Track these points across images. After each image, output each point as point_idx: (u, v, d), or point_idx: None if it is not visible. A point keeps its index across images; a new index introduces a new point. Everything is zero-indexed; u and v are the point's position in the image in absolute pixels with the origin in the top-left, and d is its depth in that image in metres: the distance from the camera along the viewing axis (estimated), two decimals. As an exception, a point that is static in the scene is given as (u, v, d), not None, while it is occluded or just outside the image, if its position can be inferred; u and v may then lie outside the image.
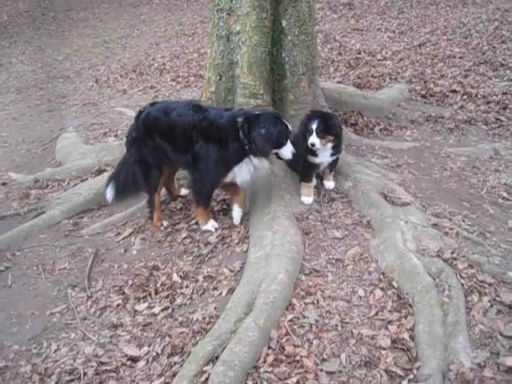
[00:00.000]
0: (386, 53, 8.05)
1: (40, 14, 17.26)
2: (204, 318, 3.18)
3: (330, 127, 3.92)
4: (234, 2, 4.44)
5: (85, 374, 2.93)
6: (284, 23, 4.59)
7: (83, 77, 8.96)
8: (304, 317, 3.05)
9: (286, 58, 4.64)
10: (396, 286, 3.24)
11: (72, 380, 2.91)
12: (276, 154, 3.92)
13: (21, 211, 4.55)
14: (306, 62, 4.68)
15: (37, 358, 3.11)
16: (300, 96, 4.71)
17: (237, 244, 3.82)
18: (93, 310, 3.42)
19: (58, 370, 2.99)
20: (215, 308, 3.25)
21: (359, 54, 8.13)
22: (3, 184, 5.25)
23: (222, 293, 3.39)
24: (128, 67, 8.96)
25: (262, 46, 4.46)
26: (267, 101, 4.57)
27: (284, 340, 2.89)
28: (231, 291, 3.34)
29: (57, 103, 7.73)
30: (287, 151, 3.75)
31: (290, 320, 3.01)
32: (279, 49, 4.64)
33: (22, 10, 18.75)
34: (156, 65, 8.78)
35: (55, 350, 3.14)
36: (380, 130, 5.48)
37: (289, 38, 4.61)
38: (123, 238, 4.06)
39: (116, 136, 5.95)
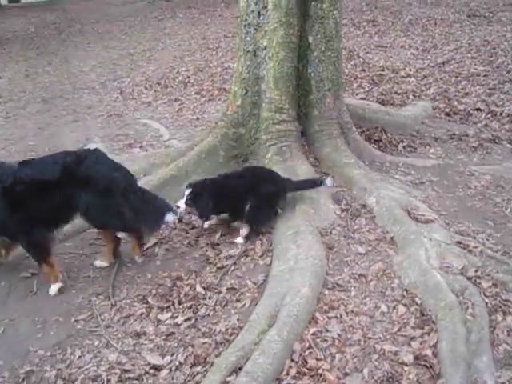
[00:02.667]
0: (410, 70, 8.07)
1: (66, 26, 17.55)
2: (227, 330, 3.20)
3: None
4: (261, 17, 4.52)
5: (108, 380, 2.95)
6: (310, 39, 4.65)
7: (108, 88, 9.08)
8: (327, 331, 3.07)
9: (312, 74, 4.70)
10: (419, 302, 3.23)
11: (95, 387, 2.94)
12: None
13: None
14: (332, 77, 4.73)
15: (61, 363, 3.14)
16: (325, 112, 4.75)
17: (260, 257, 3.84)
18: (116, 318, 3.45)
19: (82, 376, 3.01)
20: (238, 320, 3.27)
21: (383, 70, 8.16)
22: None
23: (244, 305, 3.41)
24: (153, 80, 9.07)
25: (289, 61, 4.52)
26: (292, 116, 4.62)
27: (307, 353, 2.90)
28: (254, 303, 3.37)
29: (82, 114, 7.83)
30: None
31: (313, 333, 3.03)
32: (305, 64, 4.71)
33: (49, 22, 19.08)
34: (180, 78, 8.88)
35: (79, 357, 3.17)
36: (404, 147, 5.49)
37: (315, 53, 4.67)
38: (147, 249, 4.09)
39: (141, 147, 6.02)
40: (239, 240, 4.05)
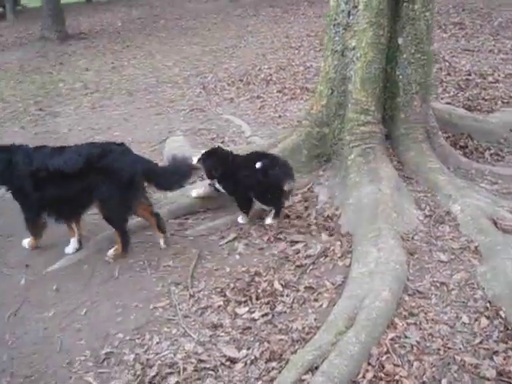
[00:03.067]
0: (499, 75, 7.78)
1: (151, 22, 17.99)
2: (303, 328, 3.21)
3: None
4: (351, 17, 4.48)
5: (184, 369, 3.02)
6: (400, 41, 4.57)
7: (191, 83, 9.24)
8: (406, 337, 3.02)
9: (400, 76, 4.62)
10: (503, 316, 3.13)
11: (171, 373, 3.02)
12: None
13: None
14: (420, 80, 4.64)
15: (139, 348, 3.24)
16: (411, 115, 4.67)
17: (339, 258, 3.82)
18: (194, 308, 3.52)
19: (159, 362, 3.10)
20: (315, 319, 3.27)
21: (469, 75, 7.91)
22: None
23: (322, 305, 3.40)
24: (235, 76, 9.16)
25: (377, 62, 4.46)
26: (377, 118, 4.57)
27: (384, 358, 2.87)
28: (332, 304, 3.36)
29: (165, 107, 8.01)
30: None
31: (392, 339, 2.98)
32: (393, 66, 4.63)
33: (135, 17, 19.61)
34: (262, 75, 8.92)
35: (157, 343, 3.26)
36: (490, 155, 5.31)
37: (404, 55, 4.59)
38: (227, 242, 4.17)
39: (223, 142, 6.08)
40: (268, 221, 4.33)
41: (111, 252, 4.16)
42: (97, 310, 3.62)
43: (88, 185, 4.00)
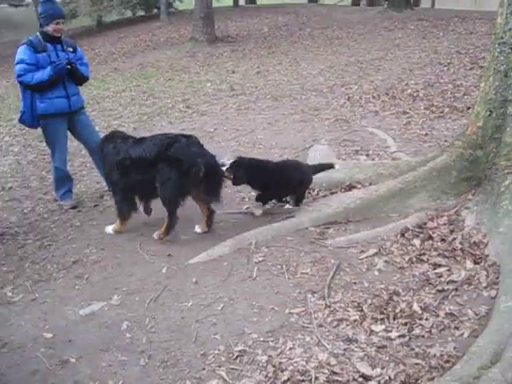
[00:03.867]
0: None
1: (297, 29, 18.23)
2: (442, 355, 3.09)
3: None
4: (519, 37, 4.26)
5: (316, 378, 3.01)
6: None
7: (336, 93, 9.26)
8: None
9: None
10: None
11: (303, 381, 3.01)
12: None
13: (272, 210, 4.87)
14: None
15: (272, 350, 3.27)
16: None
17: (484, 288, 3.63)
18: (329, 319, 3.50)
19: (291, 367, 3.11)
20: (455, 348, 3.13)
21: None
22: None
23: (463, 334, 3.26)
24: (380, 89, 9.06)
25: (543, 85, 4.22)
26: (539, 145, 4.30)
27: (531, 401, 2.70)
28: (474, 335, 3.20)
29: (310, 115, 8.09)
30: None
31: (541, 381, 2.80)
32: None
33: (281, 24, 19.97)
34: (409, 91, 8.74)
35: (290, 348, 3.27)
36: None
37: None
38: (366, 257, 4.11)
39: (367, 155, 6.05)
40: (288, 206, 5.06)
41: (157, 233, 4.78)
42: (233, 307, 3.72)
43: (157, 170, 4.59)
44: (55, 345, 3.57)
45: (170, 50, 17.09)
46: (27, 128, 6.58)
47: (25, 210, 6.01)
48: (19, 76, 5.45)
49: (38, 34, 5.54)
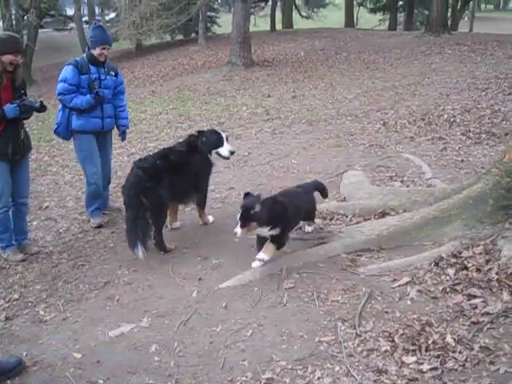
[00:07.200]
0: None
1: (333, 53, 18.32)
2: (477, 393, 3.00)
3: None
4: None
5: (345, 409, 2.96)
6: None
7: (371, 118, 9.22)
8: None
9: None
10: None
11: (331, 412, 2.97)
12: (217, 153, 5.35)
13: (303, 236, 4.83)
14: None
15: (301, 379, 3.21)
16: None
17: (522, 322, 3.53)
18: (359, 349, 3.42)
19: (322, 398, 3.06)
20: (490, 384, 3.05)
21: None
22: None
23: (499, 369, 3.13)
24: (416, 114, 8.98)
25: None
26: None
27: None
28: (510, 370, 3.08)
29: (344, 140, 8.06)
30: (225, 150, 5.33)
31: None
32: None
33: (318, 48, 20.11)
34: (445, 116, 8.64)
35: (318, 378, 3.20)
36: None
37: None
38: (399, 286, 4.02)
39: (402, 182, 5.97)
40: (307, 229, 4.91)
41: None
42: (262, 334, 3.67)
43: None
44: (84, 365, 3.58)
45: (207, 74, 17.32)
46: (65, 149, 6.73)
47: (60, 230, 6.11)
48: (59, 94, 5.74)
49: (84, 55, 5.86)
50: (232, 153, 5.42)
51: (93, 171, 5.95)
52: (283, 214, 4.37)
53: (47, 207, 6.90)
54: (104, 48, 5.74)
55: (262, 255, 4.38)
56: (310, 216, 4.87)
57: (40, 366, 3.64)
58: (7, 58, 4.84)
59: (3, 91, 4.95)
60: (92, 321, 4.12)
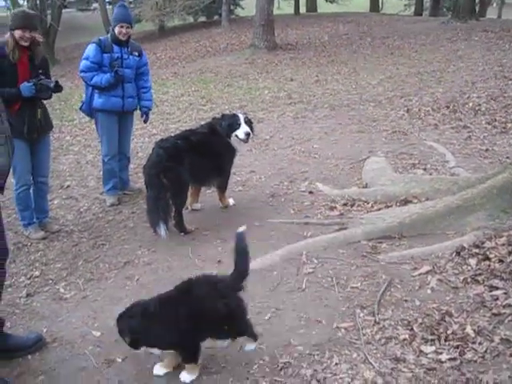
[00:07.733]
0: None
1: (357, 38, 18.12)
2: (495, 383, 2.96)
3: None
4: None
5: (361, 396, 2.93)
6: None
7: (394, 104, 9.11)
8: None
9: None
10: None
11: (347, 398, 2.95)
12: (236, 136, 5.30)
13: (324, 221, 4.80)
14: None
15: (318, 364, 3.20)
16: None
17: (545, 315, 3.48)
18: (378, 336, 3.40)
19: (336, 383, 3.04)
20: (509, 377, 2.98)
21: None
22: (310, 192, 5.62)
23: (519, 361, 3.12)
24: (441, 102, 8.85)
25: None
26: None
27: None
28: (530, 363, 3.07)
29: (367, 126, 7.98)
30: (241, 132, 5.27)
31: None
32: None
33: (342, 33, 19.90)
34: (471, 104, 8.50)
35: (336, 364, 3.19)
36: None
37: None
38: (419, 274, 3.98)
39: (425, 169, 5.90)
40: None
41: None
42: (280, 318, 3.67)
43: None
44: (103, 343, 3.62)
45: (229, 56, 17.25)
46: (87, 129, 6.78)
47: (81, 209, 6.16)
48: (81, 71, 5.85)
49: (109, 35, 5.91)
50: (248, 134, 5.31)
51: (106, 152, 6.08)
52: None
53: (68, 186, 6.95)
54: (122, 26, 5.74)
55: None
56: None
57: (59, 343, 3.69)
58: (16, 33, 4.88)
59: (20, 66, 4.97)
60: (111, 300, 4.15)
